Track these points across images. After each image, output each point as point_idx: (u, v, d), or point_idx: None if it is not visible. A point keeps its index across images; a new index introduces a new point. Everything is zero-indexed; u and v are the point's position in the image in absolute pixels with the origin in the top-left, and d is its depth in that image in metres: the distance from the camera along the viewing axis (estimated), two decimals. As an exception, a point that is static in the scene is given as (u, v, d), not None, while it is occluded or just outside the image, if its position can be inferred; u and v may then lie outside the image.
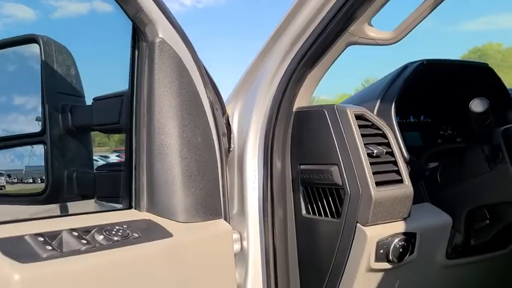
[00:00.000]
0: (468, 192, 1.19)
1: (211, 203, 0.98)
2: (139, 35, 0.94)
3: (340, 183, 1.06)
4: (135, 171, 0.93)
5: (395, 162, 1.10)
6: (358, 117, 1.09)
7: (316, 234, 1.13)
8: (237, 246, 1.11)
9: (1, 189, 1.23)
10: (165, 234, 0.86)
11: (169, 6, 0.95)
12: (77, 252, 0.72)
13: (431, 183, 1.26)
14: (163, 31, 0.93)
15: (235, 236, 1.12)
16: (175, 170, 0.92)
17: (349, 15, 1.04)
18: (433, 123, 1.50)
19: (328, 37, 1.07)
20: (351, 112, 1.08)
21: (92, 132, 1.19)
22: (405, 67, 1.30)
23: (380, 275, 1.10)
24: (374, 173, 1.04)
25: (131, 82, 0.96)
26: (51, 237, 0.72)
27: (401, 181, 1.08)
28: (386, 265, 1.07)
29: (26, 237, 0.70)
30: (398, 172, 1.09)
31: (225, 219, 1.03)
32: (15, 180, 1.25)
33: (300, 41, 1.09)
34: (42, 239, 0.71)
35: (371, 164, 1.05)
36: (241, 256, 1.12)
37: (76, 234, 0.75)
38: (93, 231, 0.77)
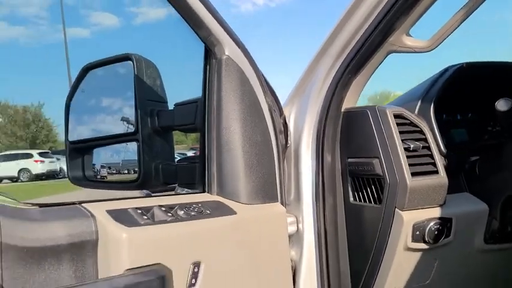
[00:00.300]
0: (503, 182, 1.30)
1: (269, 189, 1.19)
2: (209, 53, 1.17)
3: (381, 173, 1.22)
4: (207, 163, 1.16)
5: (431, 156, 1.23)
6: (397, 116, 1.25)
7: (362, 218, 1.30)
8: (293, 228, 1.31)
9: (104, 178, 1.53)
10: (231, 212, 1.08)
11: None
12: (164, 222, 0.96)
13: (470, 175, 1.38)
14: (229, 50, 1.15)
15: (292, 219, 1.31)
16: (239, 162, 1.14)
17: (389, 27, 1.19)
18: (480, 120, 1.59)
19: (370, 47, 1.23)
20: (389, 112, 1.23)
21: (173, 132, 1.44)
22: (446, 70, 1.43)
23: (418, 254, 1.25)
24: (410, 165, 1.19)
25: (204, 91, 1.19)
26: (146, 211, 0.97)
27: (436, 172, 1.22)
28: (422, 245, 1.22)
29: (129, 210, 0.95)
30: (434, 164, 1.23)
31: (282, 203, 1.23)
32: (114, 171, 1.55)
33: (345, 51, 1.26)
34: (140, 211, 0.96)
35: (408, 157, 1.20)
36: (297, 237, 1.31)
37: (163, 209, 0.99)
38: (176, 208, 1.01)
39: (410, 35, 1.24)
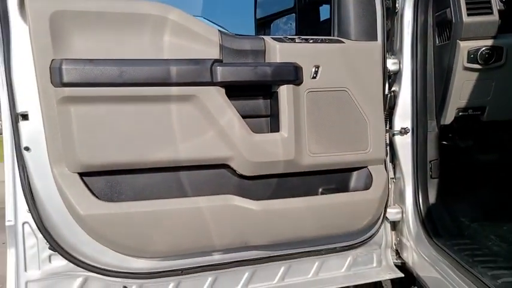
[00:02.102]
0: None
1: (371, 32, 1.86)
2: None
3: (451, 17, 1.78)
4: (332, 16, 1.90)
5: (489, 1, 1.73)
6: None
7: (442, 54, 1.88)
8: (396, 67, 1.97)
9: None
10: (342, 42, 1.81)
11: None
12: (299, 42, 1.75)
13: None
14: None
15: (396, 60, 1.97)
16: (350, 13, 1.84)
17: None
18: None
19: None
20: None
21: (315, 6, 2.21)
22: None
23: (475, 73, 1.79)
24: (469, 9, 1.72)
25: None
26: (290, 39, 1.78)
27: (490, 13, 1.72)
28: (477, 66, 1.76)
29: (282, 37, 1.78)
30: (490, 8, 1.72)
31: (382, 44, 1.88)
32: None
33: None
34: (288, 39, 1.77)
35: (468, 3, 1.73)
36: (399, 75, 1.97)
37: (302, 38, 1.78)
38: (309, 39, 1.79)
39: None
